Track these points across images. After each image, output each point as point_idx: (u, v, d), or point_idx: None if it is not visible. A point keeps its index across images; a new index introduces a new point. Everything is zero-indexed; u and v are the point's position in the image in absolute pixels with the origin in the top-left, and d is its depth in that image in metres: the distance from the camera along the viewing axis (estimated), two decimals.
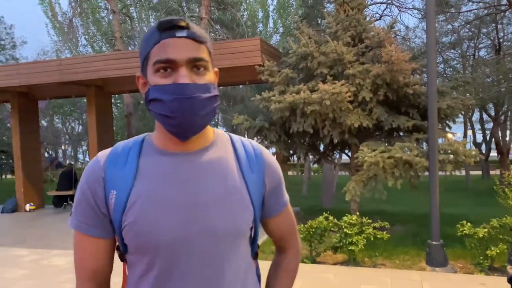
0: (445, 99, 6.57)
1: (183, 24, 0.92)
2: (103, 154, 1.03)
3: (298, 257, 1.23)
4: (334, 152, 8.39)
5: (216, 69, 1.04)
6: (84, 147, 27.99)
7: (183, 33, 0.92)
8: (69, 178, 10.67)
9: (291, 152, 7.41)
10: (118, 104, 22.12)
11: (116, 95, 17.56)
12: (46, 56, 23.82)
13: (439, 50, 16.02)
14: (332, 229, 5.39)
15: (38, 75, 8.48)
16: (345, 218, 5.30)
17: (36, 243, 6.82)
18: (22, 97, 10.25)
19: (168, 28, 0.92)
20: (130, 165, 0.99)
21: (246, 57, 7.21)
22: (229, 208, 0.98)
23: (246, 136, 7.74)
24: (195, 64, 0.93)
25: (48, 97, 10.77)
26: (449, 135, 6.75)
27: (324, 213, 5.64)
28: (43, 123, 23.75)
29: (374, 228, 5.32)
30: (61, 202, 10.79)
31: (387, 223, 5.39)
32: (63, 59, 8.52)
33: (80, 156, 29.93)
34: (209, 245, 0.96)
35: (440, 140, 6.48)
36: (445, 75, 17.26)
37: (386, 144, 6.44)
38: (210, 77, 0.97)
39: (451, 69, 16.55)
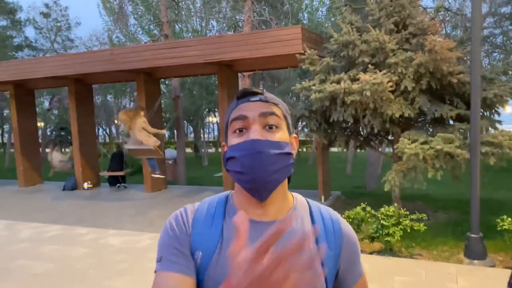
0: (493, 87, 6.37)
1: (257, 91, 1.02)
2: (191, 209, 1.06)
3: None
4: (377, 138, 8.37)
5: (295, 135, 1.07)
6: None
7: (257, 98, 1.02)
8: (120, 160, 11.35)
9: (331, 139, 7.50)
10: (167, 83, 22.73)
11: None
12: (98, 38, 24.80)
13: (497, 21, 15.15)
14: (369, 219, 5.52)
15: (91, 64, 9.03)
16: (382, 209, 5.41)
17: (94, 222, 7.46)
18: (78, 83, 10.95)
19: (244, 96, 1.03)
20: (215, 227, 1.02)
21: (287, 46, 7.29)
22: (301, 284, 0.98)
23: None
24: (267, 123, 0.99)
25: (101, 82, 11.40)
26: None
27: (362, 203, 5.77)
28: (97, 102, 25.02)
29: (412, 220, 5.40)
30: (114, 182, 11.54)
31: (424, 215, 5.43)
32: (114, 49, 9.00)
33: None
34: None
35: (487, 130, 6.33)
36: (503, 48, 16.34)
37: (429, 133, 6.39)
38: (283, 135, 1.01)
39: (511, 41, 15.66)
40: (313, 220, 1.07)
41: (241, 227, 0.75)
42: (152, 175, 9.32)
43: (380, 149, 9.08)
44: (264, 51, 7.39)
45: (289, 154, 1.00)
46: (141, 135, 8.29)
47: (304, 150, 26.38)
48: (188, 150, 30.51)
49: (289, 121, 1.06)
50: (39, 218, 7.88)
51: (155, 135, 8.59)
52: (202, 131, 29.32)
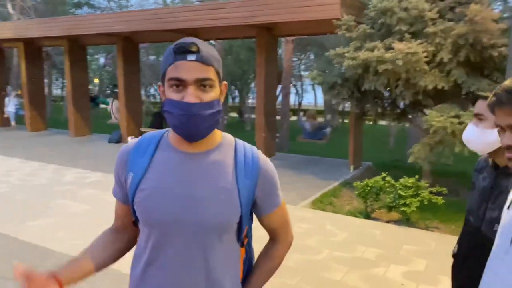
0: None
1: (194, 49, 1.09)
2: (132, 142, 1.29)
3: (286, 248, 1.42)
4: (414, 111, 8.17)
5: (225, 82, 1.21)
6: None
7: (193, 57, 1.09)
8: (160, 118, 11.88)
9: (363, 109, 7.44)
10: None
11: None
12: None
13: None
14: (387, 189, 5.55)
15: (136, 23, 9.38)
16: (401, 180, 5.42)
17: None
18: (125, 41, 11.40)
19: (181, 52, 1.09)
20: (146, 155, 1.23)
21: (325, 10, 7.20)
22: (217, 206, 1.17)
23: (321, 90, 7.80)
24: (202, 84, 1.11)
25: (147, 41, 11.80)
26: None
27: (383, 172, 5.79)
28: (148, 60, 25.79)
29: (431, 192, 5.37)
30: None
31: (445, 189, 5.38)
32: (158, 9, 9.25)
33: None
34: (196, 233, 1.17)
35: None
36: None
37: (462, 108, 6.19)
38: (215, 93, 1.14)
39: None
40: (236, 154, 1.24)
41: None
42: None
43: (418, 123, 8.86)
44: (303, 15, 7.35)
45: (219, 111, 1.16)
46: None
47: (346, 121, 25.98)
48: (234, 114, 30.95)
49: (220, 73, 1.17)
50: (83, 165, 8.55)
51: None
52: (246, 96, 29.49)
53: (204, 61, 1.10)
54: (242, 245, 1.32)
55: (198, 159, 1.20)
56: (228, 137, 1.29)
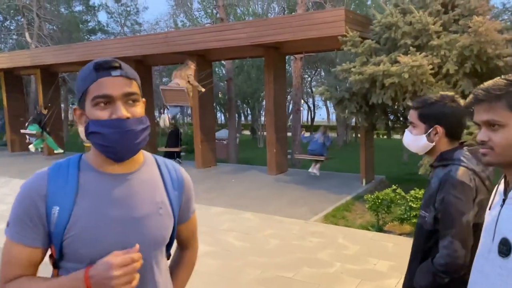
0: None
1: (116, 65, 1.08)
2: (43, 172, 1.15)
3: (196, 254, 1.48)
4: None
5: (144, 99, 1.18)
6: None
7: (117, 72, 1.08)
8: (176, 137, 12.07)
9: (372, 123, 7.49)
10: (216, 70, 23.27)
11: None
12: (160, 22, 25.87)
13: None
14: (398, 201, 5.57)
15: (148, 46, 9.67)
16: (412, 192, 5.43)
17: None
18: (138, 64, 11.71)
19: (104, 69, 1.07)
20: (71, 183, 1.12)
21: (330, 28, 7.34)
22: (158, 221, 1.19)
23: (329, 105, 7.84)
24: (129, 98, 1.09)
25: (159, 64, 12.11)
26: None
27: (393, 185, 5.81)
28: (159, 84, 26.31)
29: None
30: (170, 157, 12.33)
31: None
32: (169, 32, 9.55)
33: None
34: (143, 251, 1.10)
35: None
36: None
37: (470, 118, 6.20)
38: (142, 109, 1.14)
39: None
40: (160, 170, 1.27)
41: None
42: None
43: None
44: (307, 33, 7.50)
45: (148, 126, 1.15)
46: (181, 80, 8.55)
47: (359, 135, 25.94)
48: (246, 132, 31.16)
49: (140, 86, 1.17)
50: None
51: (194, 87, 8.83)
52: (258, 113, 29.74)
53: (128, 75, 1.10)
54: (168, 257, 1.37)
55: (129, 180, 1.17)
56: (148, 154, 1.29)
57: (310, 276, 4.16)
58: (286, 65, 15.07)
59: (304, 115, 35.74)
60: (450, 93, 1.83)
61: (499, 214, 1.17)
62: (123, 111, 1.07)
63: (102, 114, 1.08)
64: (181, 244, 1.44)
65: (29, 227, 1.10)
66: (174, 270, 1.40)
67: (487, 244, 1.19)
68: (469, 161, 1.71)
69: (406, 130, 1.91)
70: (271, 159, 9.46)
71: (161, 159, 1.31)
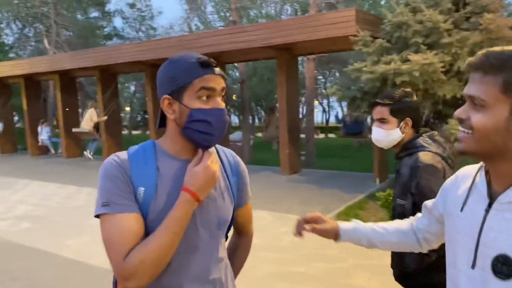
0: None
1: (215, 64, 1.23)
2: (123, 154, 1.25)
3: (251, 240, 1.58)
4: (438, 121, 8.17)
5: None
6: None
7: (218, 72, 1.23)
8: None
9: None
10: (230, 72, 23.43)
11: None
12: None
13: None
14: None
15: (163, 50, 9.87)
16: None
17: None
18: (153, 68, 11.94)
19: (209, 66, 1.21)
20: (151, 166, 1.22)
21: (341, 28, 7.41)
22: (223, 203, 1.31)
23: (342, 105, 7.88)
24: (223, 93, 1.25)
25: None
26: None
27: None
28: None
29: None
30: None
31: None
32: (183, 36, 9.72)
33: None
34: (212, 231, 1.27)
35: None
36: None
37: None
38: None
39: None
40: (220, 157, 1.38)
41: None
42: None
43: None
44: (319, 34, 7.59)
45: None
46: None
47: None
48: (260, 134, 31.16)
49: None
50: None
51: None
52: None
53: (223, 75, 1.26)
54: (226, 239, 1.45)
55: None
56: None
57: (322, 270, 4.25)
58: (300, 66, 15.14)
59: (319, 117, 35.71)
60: (408, 89, 2.04)
61: (483, 221, 0.98)
62: (220, 104, 1.22)
63: (204, 105, 1.20)
64: (238, 229, 1.53)
65: (126, 198, 1.17)
66: (232, 255, 1.48)
67: (465, 255, 1.03)
68: (431, 146, 1.89)
69: (374, 126, 2.04)
70: (284, 160, 9.54)
71: (219, 146, 1.41)
